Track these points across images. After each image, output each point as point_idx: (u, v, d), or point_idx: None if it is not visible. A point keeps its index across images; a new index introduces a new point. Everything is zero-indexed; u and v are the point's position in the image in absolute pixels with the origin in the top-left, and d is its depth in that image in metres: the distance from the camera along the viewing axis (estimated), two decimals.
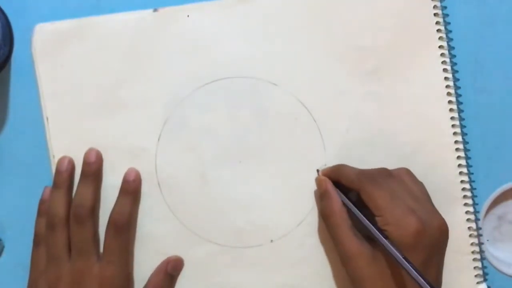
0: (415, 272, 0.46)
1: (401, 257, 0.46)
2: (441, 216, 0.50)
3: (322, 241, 0.56)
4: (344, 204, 0.53)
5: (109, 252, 0.54)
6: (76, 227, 0.53)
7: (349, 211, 0.52)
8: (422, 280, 0.45)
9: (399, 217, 0.48)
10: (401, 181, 0.52)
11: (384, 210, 0.49)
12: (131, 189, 0.55)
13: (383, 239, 0.48)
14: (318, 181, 0.55)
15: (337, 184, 0.54)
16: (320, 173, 0.56)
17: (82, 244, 0.53)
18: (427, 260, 0.46)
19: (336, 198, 0.53)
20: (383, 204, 0.49)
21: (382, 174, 0.52)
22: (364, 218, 0.50)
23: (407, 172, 0.54)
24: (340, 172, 0.54)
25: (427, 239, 0.48)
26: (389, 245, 0.47)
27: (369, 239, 0.51)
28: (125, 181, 0.55)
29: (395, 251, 0.47)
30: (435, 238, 0.49)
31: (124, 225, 0.54)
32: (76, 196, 0.54)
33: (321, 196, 0.54)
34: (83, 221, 0.53)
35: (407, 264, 0.46)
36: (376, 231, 0.49)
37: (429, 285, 0.45)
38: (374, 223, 0.50)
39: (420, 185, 0.53)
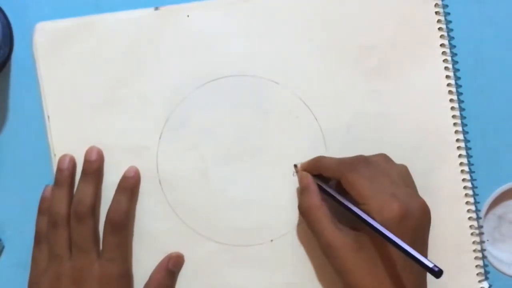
0: (407, 247, 0.46)
1: (392, 235, 0.46)
2: (421, 198, 0.50)
3: None
4: (323, 196, 0.53)
5: (107, 249, 0.54)
6: (76, 224, 0.53)
7: (328, 204, 0.52)
8: (415, 253, 0.45)
9: (381, 203, 0.48)
10: (379, 167, 0.52)
11: (366, 198, 0.49)
12: (128, 186, 0.55)
13: (371, 219, 0.48)
14: (299, 177, 0.55)
15: (317, 176, 0.54)
16: (299, 167, 0.56)
17: (82, 242, 0.53)
18: (413, 243, 0.46)
19: (315, 192, 0.53)
20: (365, 192, 0.49)
21: (361, 162, 0.52)
22: (349, 202, 0.50)
23: (385, 157, 0.54)
24: (320, 164, 0.54)
25: (410, 222, 0.48)
26: (377, 224, 0.47)
27: (353, 229, 0.51)
28: (122, 178, 0.55)
29: (384, 229, 0.47)
30: (418, 220, 0.49)
31: (121, 222, 0.54)
32: (76, 194, 0.54)
33: (301, 191, 0.54)
34: (83, 218, 0.53)
35: (399, 239, 0.46)
36: (363, 213, 0.48)
37: (422, 257, 0.45)
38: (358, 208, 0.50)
39: (400, 169, 0.53)
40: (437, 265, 0.45)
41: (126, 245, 0.55)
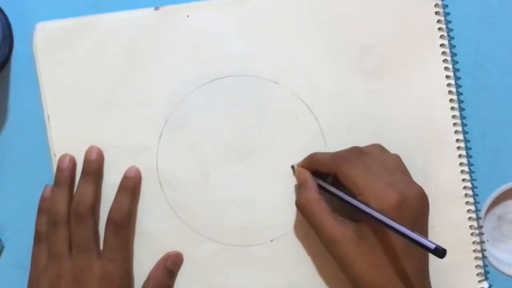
0: (407, 231, 0.45)
1: (391, 221, 0.46)
2: (418, 185, 0.50)
3: None
4: (321, 191, 0.52)
5: (109, 249, 0.54)
6: (76, 224, 0.53)
7: (326, 197, 0.52)
8: (415, 236, 0.45)
9: (378, 192, 0.48)
10: (374, 157, 0.52)
11: (363, 189, 0.49)
12: (130, 185, 0.55)
13: (370, 208, 0.48)
14: (296, 173, 0.55)
15: (314, 173, 0.54)
16: (296, 166, 0.56)
17: (82, 242, 0.53)
18: (412, 229, 0.46)
19: (313, 186, 0.53)
20: (361, 182, 0.49)
21: (355, 153, 0.52)
22: (346, 193, 0.50)
23: (379, 147, 0.54)
24: (314, 160, 0.54)
25: (408, 210, 0.48)
26: (376, 212, 0.47)
27: (353, 220, 0.51)
28: (124, 178, 0.55)
29: (383, 216, 0.47)
30: (416, 207, 0.49)
31: (123, 222, 0.54)
32: (76, 194, 0.54)
33: (299, 187, 0.54)
34: (83, 218, 0.53)
35: (398, 225, 0.46)
36: (361, 203, 0.48)
37: (423, 239, 0.45)
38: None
39: (394, 158, 0.53)
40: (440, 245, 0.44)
41: (127, 245, 0.55)
